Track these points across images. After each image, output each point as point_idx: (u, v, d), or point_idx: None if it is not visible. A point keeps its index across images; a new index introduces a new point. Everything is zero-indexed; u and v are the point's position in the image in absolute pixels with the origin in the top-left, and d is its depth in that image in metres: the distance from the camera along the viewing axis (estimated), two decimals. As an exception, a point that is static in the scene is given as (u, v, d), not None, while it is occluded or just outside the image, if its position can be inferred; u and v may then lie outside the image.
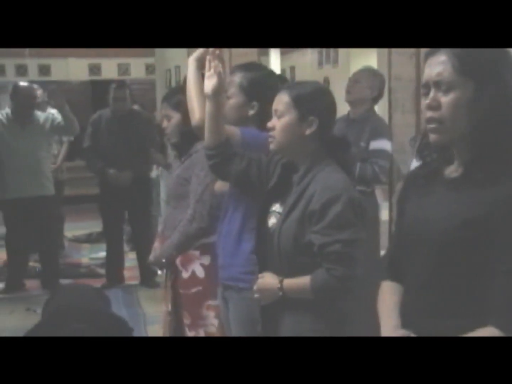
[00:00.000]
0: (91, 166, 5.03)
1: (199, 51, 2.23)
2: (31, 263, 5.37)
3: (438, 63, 1.44)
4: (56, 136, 5.51)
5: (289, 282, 1.93)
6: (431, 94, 1.44)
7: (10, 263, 5.08)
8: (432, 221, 1.46)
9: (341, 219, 1.85)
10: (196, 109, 2.19)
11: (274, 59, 7.87)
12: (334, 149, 2.00)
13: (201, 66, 2.23)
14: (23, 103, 4.83)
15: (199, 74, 2.24)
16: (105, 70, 10.18)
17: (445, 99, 1.42)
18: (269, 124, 2.01)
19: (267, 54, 7.71)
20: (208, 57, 2.08)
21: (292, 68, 8.14)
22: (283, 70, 7.94)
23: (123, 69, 10.25)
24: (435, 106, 1.43)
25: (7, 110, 4.95)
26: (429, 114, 1.45)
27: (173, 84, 7.61)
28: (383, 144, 3.51)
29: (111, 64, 10.04)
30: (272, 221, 2.02)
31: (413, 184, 1.58)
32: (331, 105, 2.01)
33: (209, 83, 2.06)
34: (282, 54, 7.91)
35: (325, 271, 1.87)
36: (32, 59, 9.70)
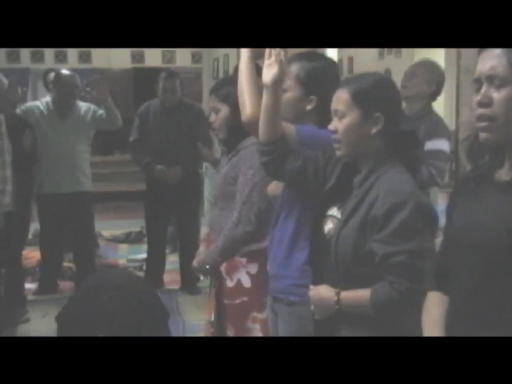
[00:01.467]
0: (138, 160, 5.06)
1: None
2: (65, 264, 5.45)
3: (492, 57, 1.45)
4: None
5: (347, 295, 1.89)
6: (483, 89, 1.45)
7: (44, 262, 5.17)
8: (482, 226, 1.47)
9: (407, 226, 1.80)
10: (248, 103, 2.17)
11: (331, 49, 7.79)
12: (400, 147, 1.95)
13: (255, 55, 2.21)
14: (65, 92, 4.90)
15: (253, 65, 2.21)
16: (149, 57, 10.26)
17: (498, 95, 1.43)
18: (331, 127, 1.96)
19: (323, 43, 7.63)
20: None
21: (350, 59, 8.04)
22: (340, 61, 7.84)
23: (168, 57, 10.31)
24: (487, 102, 1.44)
25: (48, 99, 5.03)
26: (480, 111, 1.45)
27: (221, 74, 7.63)
28: (441, 144, 3.45)
29: (155, 51, 10.11)
30: (328, 226, 1.99)
31: (464, 188, 1.59)
32: (396, 98, 1.97)
33: (269, 72, 2.04)
34: (340, 43, 7.82)
35: (387, 285, 1.82)
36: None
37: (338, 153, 1.98)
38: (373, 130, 1.92)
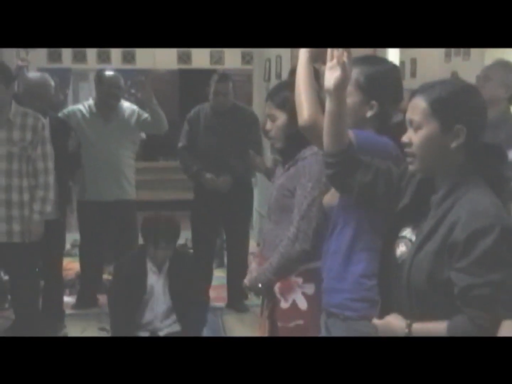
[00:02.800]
0: (186, 168, 5.06)
1: None
2: (105, 276, 5.48)
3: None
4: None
5: (419, 327, 1.83)
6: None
7: (83, 274, 5.21)
8: None
9: (492, 255, 1.72)
10: (305, 106, 2.17)
11: (392, 50, 7.70)
12: (484, 163, 1.88)
13: (314, 57, 2.22)
14: (109, 94, 4.94)
15: (311, 68, 2.23)
16: (196, 58, 10.29)
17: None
18: (405, 139, 1.91)
19: (384, 44, 7.57)
20: None
21: (413, 61, 7.93)
22: (402, 63, 7.74)
23: (216, 58, 10.32)
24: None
25: (90, 102, 5.07)
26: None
27: (273, 76, 7.61)
28: None
29: (202, 51, 10.14)
30: (401, 249, 1.93)
31: None
32: (481, 108, 1.89)
33: (331, 76, 2.00)
34: (401, 43, 7.74)
35: (467, 320, 1.75)
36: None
37: (411, 167, 1.92)
38: (453, 144, 1.84)
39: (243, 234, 5.17)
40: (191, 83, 8.49)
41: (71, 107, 5.23)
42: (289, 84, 2.71)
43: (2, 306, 4.99)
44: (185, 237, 6.29)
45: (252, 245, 5.77)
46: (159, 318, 3.98)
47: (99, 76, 5.02)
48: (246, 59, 10.03)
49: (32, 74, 4.85)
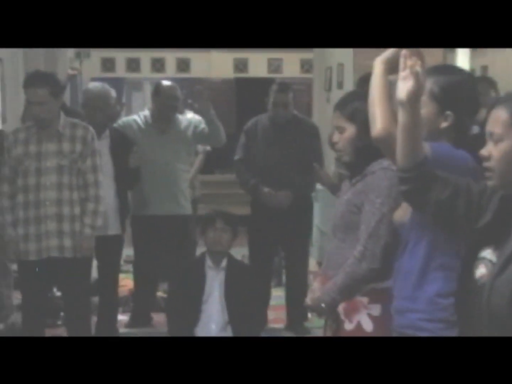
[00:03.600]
0: (243, 182, 5.06)
1: (389, 51, 2.22)
2: (159, 293, 5.52)
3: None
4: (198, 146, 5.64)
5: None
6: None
7: (137, 291, 5.25)
8: None
9: None
10: (379, 116, 2.18)
11: (462, 57, 7.61)
12: None
13: (389, 70, 2.23)
14: (166, 105, 4.98)
15: (386, 79, 2.23)
16: (253, 66, 10.34)
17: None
18: (484, 152, 1.89)
19: (453, 52, 7.49)
20: (403, 53, 2.02)
21: (484, 68, 7.82)
22: (472, 71, 7.64)
23: (274, 66, 10.36)
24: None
25: (146, 113, 5.12)
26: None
27: (334, 85, 7.58)
28: None
29: (260, 58, 10.17)
30: (480, 271, 1.90)
31: None
32: None
33: (404, 86, 1.99)
34: (472, 50, 7.62)
35: None
36: (170, 52, 10.06)
37: (490, 183, 1.90)
38: None
39: (302, 251, 5.14)
40: (248, 92, 8.52)
41: (126, 118, 5.27)
42: (359, 95, 2.72)
43: (54, 323, 5.06)
44: (241, 253, 6.31)
45: (312, 264, 5.73)
46: (215, 331, 4.02)
47: (157, 87, 5.07)
48: (305, 68, 10.02)
49: (93, 85, 4.92)
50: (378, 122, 2.18)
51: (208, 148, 6.04)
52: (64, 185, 3.99)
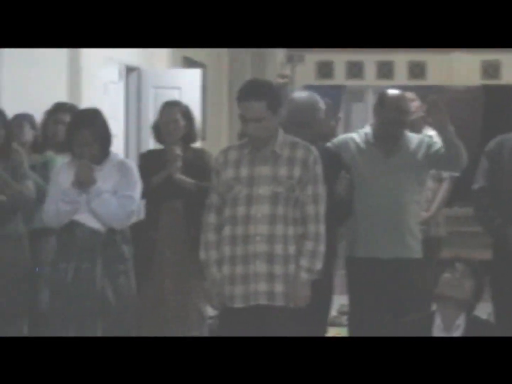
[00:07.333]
0: (484, 219, 4.89)
1: None
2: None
3: None
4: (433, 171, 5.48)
5: None
6: None
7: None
8: None
9: None
10: None
11: None
12: None
13: None
14: (392, 120, 4.89)
15: None
16: (508, 71, 9.94)
17: None
18: None
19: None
20: None
21: None
22: None
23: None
24: None
25: (367, 130, 5.06)
26: None
27: None
28: None
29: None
30: None
31: None
32: None
33: None
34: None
35: None
36: (401, 54, 9.95)
37: None
38: None
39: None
40: (499, 104, 8.19)
41: (342, 136, 5.25)
42: None
43: None
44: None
45: None
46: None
47: (381, 97, 5.01)
48: None
49: (298, 94, 4.96)
50: None
51: (456, 173, 5.85)
52: (278, 218, 4.03)
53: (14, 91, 6.33)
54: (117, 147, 8.07)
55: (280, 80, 6.97)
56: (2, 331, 4.42)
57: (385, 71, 10.40)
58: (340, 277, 5.40)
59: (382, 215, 4.85)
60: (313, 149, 4.11)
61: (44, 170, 5.12)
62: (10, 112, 5.14)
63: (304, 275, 4.02)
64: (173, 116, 5.30)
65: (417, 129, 5.41)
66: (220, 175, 4.09)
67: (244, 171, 4.04)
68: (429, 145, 4.94)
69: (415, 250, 4.95)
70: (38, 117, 5.56)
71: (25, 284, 4.78)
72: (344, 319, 5.70)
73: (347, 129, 8.56)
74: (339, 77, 10.54)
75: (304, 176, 4.03)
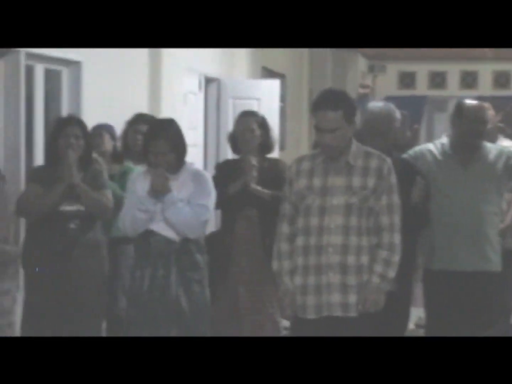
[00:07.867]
0: None
1: None
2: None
3: None
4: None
5: None
6: None
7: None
8: None
9: None
10: None
11: None
12: None
13: None
14: (470, 131, 4.85)
15: None
16: None
17: None
18: None
19: None
20: None
21: None
22: None
23: None
24: None
25: (444, 140, 5.04)
26: None
27: None
28: None
29: None
30: None
31: None
32: None
33: None
34: None
35: None
36: (486, 64, 9.84)
37: None
38: None
39: None
40: None
41: (419, 147, 5.22)
42: None
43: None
44: None
45: None
46: None
47: (458, 107, 4.96)
48: None
49: (373, 105, 4.95)
50: None
51: None
52: (352, 229, 4.02)
53: (95, 102, 6.45)
54: (197, 157, 8.18)
55: (361, 91, 6.95)
56: (81, 333, 4.52)
57: (470, 80, 10.26)
58: (420, 289, 5.35)
59: (461, 226, 4.80)
60: (387, 158, 4.09)
61: (123, 179, 5.20)
62: (90, 123, 5.25)
63: (376, 279, 4.00)
64: (249, 126, 5.34)
65: (492, 139, 5.32)
66: (293, 184, 4.09)
67: (317, 181, 4.03)
68: (509, 156, 4.90)
69: (495, 262, 4.89)
70: (118, 127, 5.67)
71: (103, 291, 4.89)
72: (421, 332, 5.64)
73: (429, 139, 8.47)
74: (421, 87, 10.43)
75: (379, 186, 4.00)
